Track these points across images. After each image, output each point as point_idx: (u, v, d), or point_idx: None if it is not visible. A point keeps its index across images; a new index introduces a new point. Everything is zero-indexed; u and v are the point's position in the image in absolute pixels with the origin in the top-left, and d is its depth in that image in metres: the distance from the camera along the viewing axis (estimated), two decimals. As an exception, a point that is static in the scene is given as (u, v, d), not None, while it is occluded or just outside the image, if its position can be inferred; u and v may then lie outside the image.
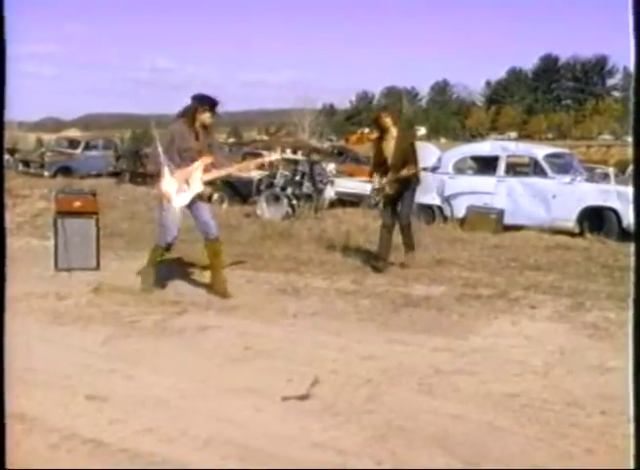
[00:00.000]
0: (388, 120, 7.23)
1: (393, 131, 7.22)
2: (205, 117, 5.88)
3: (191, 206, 5.94)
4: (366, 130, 66.94)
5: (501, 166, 11.07)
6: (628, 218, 8.91)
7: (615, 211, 9.73)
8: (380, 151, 7.31)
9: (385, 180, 7.23)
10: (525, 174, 11.12)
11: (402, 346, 4.65)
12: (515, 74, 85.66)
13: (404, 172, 7.08)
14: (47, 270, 6.90)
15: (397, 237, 7.45)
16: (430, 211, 11.15)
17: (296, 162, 14.60)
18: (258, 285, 6.46)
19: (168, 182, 5.81)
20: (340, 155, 21.83)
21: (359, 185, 14.24)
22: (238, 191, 13.90)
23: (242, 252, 7.91)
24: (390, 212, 7.34)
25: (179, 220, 5.95)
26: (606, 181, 11.04)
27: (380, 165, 7.35)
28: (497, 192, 10.88)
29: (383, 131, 7.28)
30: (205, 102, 5.92)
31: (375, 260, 7.27)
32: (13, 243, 7.41)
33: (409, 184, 7.24)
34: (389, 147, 7.21)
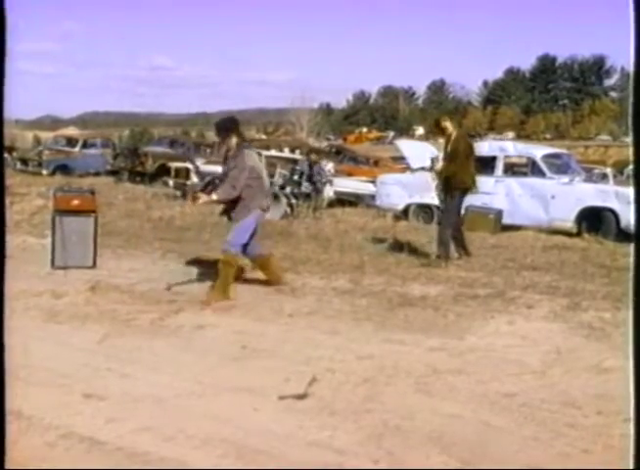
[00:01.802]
0: (447, 125, 7.69)
1: (453, 136, 7.61)
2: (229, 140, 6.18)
3: None
4: (364, 130, 66.88)
5: (499, 167, 11.08)
6: (627, 219, 8.92)
7: (613, 212, 9.75)
8: (444, 154, 7.72)
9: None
10: (524, 175, 11.13)
11: (399, 345, 4.65)
12: (512, 74, 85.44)
13: (437, 167, 7.66)
14: (43, 268, 6.89)
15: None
16: (429, 211, 11.14)
17: (294, 161, 14.59)
18: (255, 284, 6.45)
19: None
20: (338, 154, 21.78)
21: (358, 185, 14.23)
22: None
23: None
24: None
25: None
26: (604, 182, 11.06)
27: None
28: (496, 192, 10.87)
29: (447, 136, 7.68)
30: (227, 125, 6.33)
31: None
32: (10, 241, 7.38)
33: (452, 191, 7.60)
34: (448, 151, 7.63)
